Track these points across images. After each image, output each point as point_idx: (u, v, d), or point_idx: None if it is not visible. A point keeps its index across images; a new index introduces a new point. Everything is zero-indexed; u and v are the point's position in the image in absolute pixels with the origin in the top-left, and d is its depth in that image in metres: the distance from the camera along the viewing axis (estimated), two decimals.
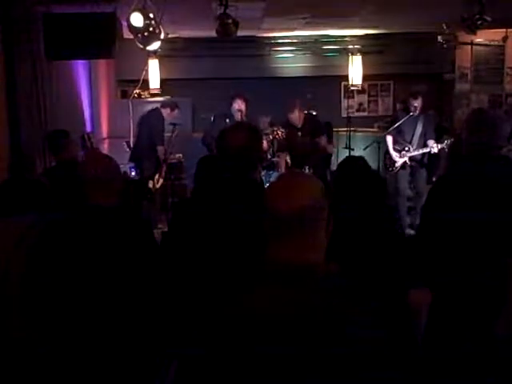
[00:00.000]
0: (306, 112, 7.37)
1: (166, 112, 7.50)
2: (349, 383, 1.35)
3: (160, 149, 7.34)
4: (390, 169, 7.18)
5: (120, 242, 2.44)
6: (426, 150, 6.87)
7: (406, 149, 6.99)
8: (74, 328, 2.40)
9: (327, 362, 1.35)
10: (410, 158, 7.02)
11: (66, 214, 2.56)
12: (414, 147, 6.96)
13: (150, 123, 7.43)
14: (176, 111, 7.65)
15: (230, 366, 1.43)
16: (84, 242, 2.43)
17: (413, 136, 6.98)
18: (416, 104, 6.88)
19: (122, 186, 2.69)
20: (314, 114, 7.77)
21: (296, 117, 7.26)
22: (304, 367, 1.36)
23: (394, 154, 7.11)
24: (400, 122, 7.01)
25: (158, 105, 7.72)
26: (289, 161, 7.14)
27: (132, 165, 7.68)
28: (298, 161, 6.97)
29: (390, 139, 7.20)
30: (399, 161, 7.07)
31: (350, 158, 3.61)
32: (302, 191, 1.50)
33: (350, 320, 1.39)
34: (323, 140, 7.40)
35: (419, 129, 6.95)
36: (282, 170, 7.36)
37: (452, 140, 6.08)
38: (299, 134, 7.28)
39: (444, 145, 6.56)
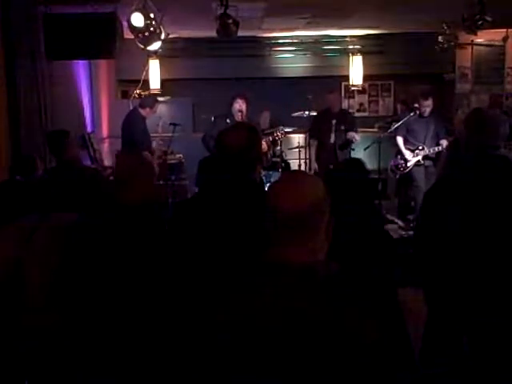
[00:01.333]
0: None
1: (145, 112, 7.06)
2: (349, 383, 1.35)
3: (146, 155, 6.80)
4: (402, 169, 7.13)
5: (142, 242, 2.48)
6: (440, 149, 6.75)
7: (420, 148, 6.96)
8: (98, 323, 2.43)
9: (327, 362, 1.35)
10: (425, 157, 6.97)
11: (94, 213, 2.63)
12: (428, 147, 6.92)
13: (129, 128, 7.01)
14: (156, 106, 7.24)
15: (229, 367, 1.43)
16: (112, 240, 2.47)
17: (425, 137, 6.94)
18: (426, 105, 6.86)
19: (151, 186, 2.74)
20: None
21: (335, 98, 7.50)
22: (303, 367, 1.36)
23: (408, 153, 7.04)
24: (404, 119, 7.00)
25: (137, 104, 7.26)
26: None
27: None
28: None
29: (400, 140, 7.13)
30: (412, 160, 7.02)
31: (348, 161, 3.64)
32: (304, 191, 1.49)
33: (350, 320, 1.40)
34: (353, 134, 7.46)
35: (431, 130, 6.91)
36: (313, 159, 7.47)
37: (451, 140, 6.05)
38: (334, 121, 7.30)
39: None
